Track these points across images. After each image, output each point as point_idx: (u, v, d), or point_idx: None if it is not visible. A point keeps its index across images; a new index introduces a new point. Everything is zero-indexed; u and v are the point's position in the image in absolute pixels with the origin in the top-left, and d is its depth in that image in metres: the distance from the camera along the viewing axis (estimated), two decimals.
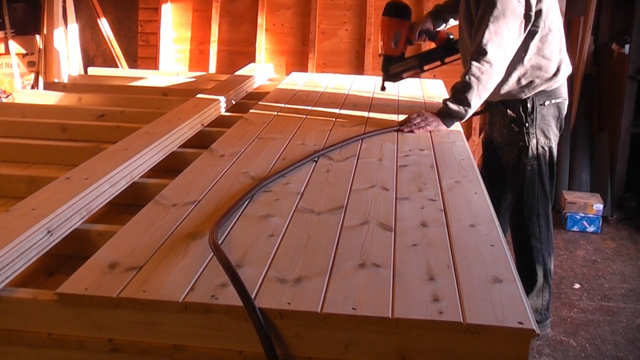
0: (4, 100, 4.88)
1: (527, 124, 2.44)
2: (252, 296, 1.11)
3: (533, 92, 2.41)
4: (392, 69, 2.69)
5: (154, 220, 1.46)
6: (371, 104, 2.81)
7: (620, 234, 4.22)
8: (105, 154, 1.86)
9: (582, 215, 4.22)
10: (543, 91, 2.41)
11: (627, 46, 4.38)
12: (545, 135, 2.46)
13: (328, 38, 4.85)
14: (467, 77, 2.26)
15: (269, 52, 5.05)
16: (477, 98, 2.28)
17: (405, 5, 2.69)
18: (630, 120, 4.40)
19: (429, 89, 3.20)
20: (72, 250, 1.47)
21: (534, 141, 2.45)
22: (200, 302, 1.10)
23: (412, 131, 2.30)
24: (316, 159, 1.95)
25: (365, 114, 2.62)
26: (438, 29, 2.71)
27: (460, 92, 2.29)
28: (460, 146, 2.16)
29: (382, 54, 2.70)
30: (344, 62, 4.81)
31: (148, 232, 1.39)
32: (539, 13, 2.29)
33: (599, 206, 4.23)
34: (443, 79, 3.49)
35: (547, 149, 2.47)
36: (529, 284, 2.56)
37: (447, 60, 2.68)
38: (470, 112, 2.31)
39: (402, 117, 2.56)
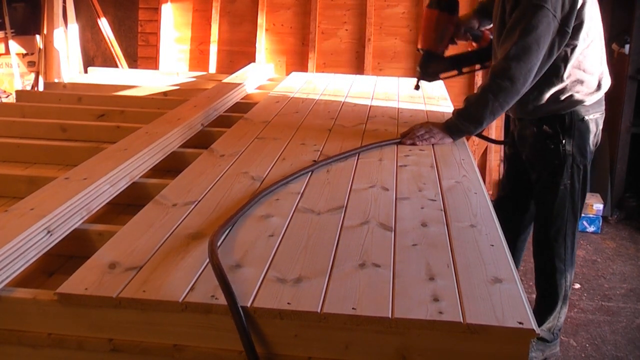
0: (4, 100, 4.89)
1: (564, 141, 2.22)
2: (252, 296, 1.11)
3: (572, 108, 2.20)
4: (432, 67, 2.45)
5: (154, 220, 1.46)
6: (371, 105, 2.81)
7: (620, 234, 4.23)
8: (105, 154, 1.85)
9: (582, 215, 4.22)
10: (583, 105, 2.21)
11: (627, 46, 4.38)
12: (582, 153, 2.25)
13: (328, 38, 4.85)
14: (483, 91, 2.06)
15: (269, 52, 5.04)
16: (491, 116, 2.09)
17: None
18: (630, 120, 4.41)
19: (428, 88, 3.19)
20: (72, 250, 1.46)
21: (569, 159, 2.24)
22: (200, 302, 1.10)
23: (414, 144, 2.12)
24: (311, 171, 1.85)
25: (366, 113, 2.62)
26: (483, 29, 2.48)
27: (473, 106, 2.10)
28: (460, 146, 2.15)
29: (423, 49, 2.43)
30: (344, 62, 4.81)
31: (148, 232, 1.39)
32: (578, 26, 2.07)
33: (599, 206, 4.23)
34: None
35: (582, 167, 2.27)
36: (548, 306, 2.45)
37: (487, 64, 2.46)
38: (480, 128, 2.14)
39: (402, 117, 2.57)
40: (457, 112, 2.16)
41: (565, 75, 2.15)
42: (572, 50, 2.12)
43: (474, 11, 2.50)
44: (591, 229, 4.22)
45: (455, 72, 2.49)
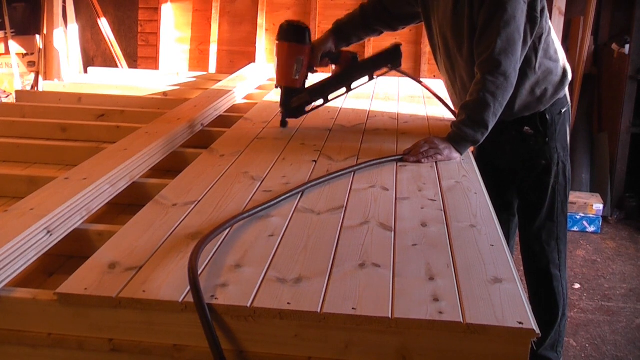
0: (4, 100, 4.89)
1: (547, 139, 2.20)
2: (252, 296, 1.11)
3: (550, 103, 2.18)
4: (295, 102, 2.27)
5: (154, 220, 1.46)
6: (371, 105, 2.81)
7: (620, 234, 4.23)
8: (105, 154, 1.85)
9: (582, 215, 4.23)
10: (558, 99, 2.20)
11: (627, 46, 4.39)
12: (564, 147, 2.24)
13: None
14: (481, 93, 1.94)
15: (269, 52, 5.05)
16: (494, 117, 1.96)
17: (304, 26, 2.23)
18: (630, 120, 4.41)
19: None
20: (72, 250, 1.46)
21: (555, 157, 2.21)
22: None
23: (419, 161, 1.94)
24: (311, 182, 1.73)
25: (366, 113, 2.62)
26: (341, 50, 2.34)
27: (475, 111, 1.96)
28: None
29: (280, 85, 2.27)
30: None
31: (148, 232, 1.39)
32: (542, 11, 2.03)
33: (599, 206, 4.24)
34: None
35: (566, 163, 2.25)
36: (549, 318, 2.33)
37: (353, 86, 2.32)
38: (486, 134, 1.99)
39: (402, 117, 2.57)
40: (459, 123, 2.00)
41: (537, 66, 2.12)
42: (539, 38, 2.08)
43: (330, 32, 2.33)
44: (591, 229, 4.22)
45: (321, 101, 2.35)
